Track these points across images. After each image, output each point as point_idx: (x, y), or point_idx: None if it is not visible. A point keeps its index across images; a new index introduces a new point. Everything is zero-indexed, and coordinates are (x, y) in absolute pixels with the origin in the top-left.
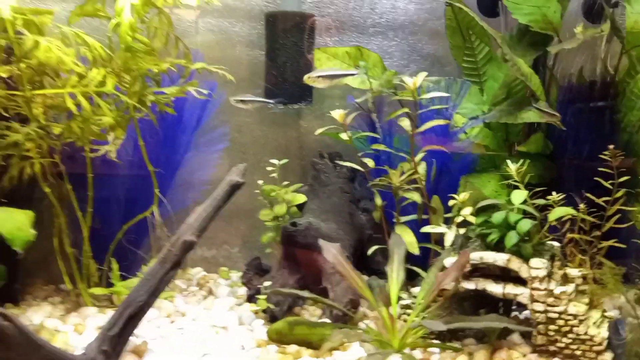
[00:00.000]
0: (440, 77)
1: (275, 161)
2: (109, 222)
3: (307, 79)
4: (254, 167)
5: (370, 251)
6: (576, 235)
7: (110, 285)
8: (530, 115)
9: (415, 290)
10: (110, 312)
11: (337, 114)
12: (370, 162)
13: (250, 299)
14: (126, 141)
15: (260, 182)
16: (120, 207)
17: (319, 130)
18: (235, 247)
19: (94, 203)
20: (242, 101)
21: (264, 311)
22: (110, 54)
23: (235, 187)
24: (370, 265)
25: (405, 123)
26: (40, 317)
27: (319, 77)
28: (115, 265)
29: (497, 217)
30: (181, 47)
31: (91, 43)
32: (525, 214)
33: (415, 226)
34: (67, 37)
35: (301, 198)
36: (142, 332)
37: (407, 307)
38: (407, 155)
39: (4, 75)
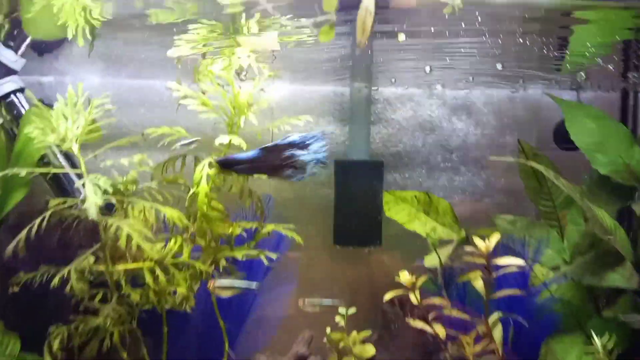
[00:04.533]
0: (515, 215)
1: (342, 310)
2: None
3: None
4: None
5: None
6: None
7: None
8: (616, 279)
9: None
10: None
11: (406, 277)
12: (441, 332)
13: None
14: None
15: (328, 329)
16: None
17: (388, 295)
18: None
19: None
20: None
21: None
22: (187, 222)
23: (301, 359)
24: None
25: (479, 285)
26: None
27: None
28: None
29: None
30: (254, 199)
31: (169, 215)
32: None
33: None
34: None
35: (370, 350)
36: None
37: None
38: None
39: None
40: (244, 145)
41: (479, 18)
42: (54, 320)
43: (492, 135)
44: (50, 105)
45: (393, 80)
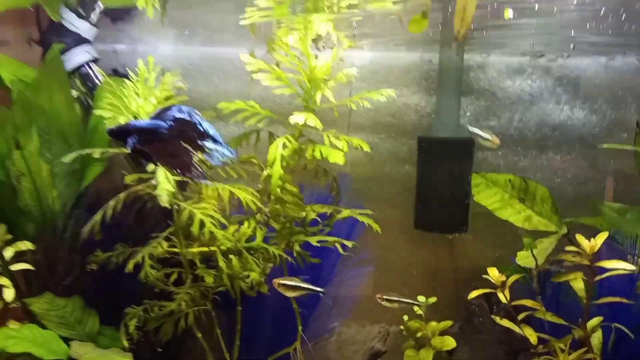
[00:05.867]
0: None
1: (422, 299)
2: (254, 356)
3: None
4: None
5: None
6: None
7: None
8: None
9: None
10: None
11: (495, 275)
12: (532, 336)
13: None
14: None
15: (405, 317)
16: (264, 339)
17: (473, 294)
18: None
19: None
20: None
21: None
22: (261, 205)
23: (376, 355)
24: None
25: (579, 287)
26: None
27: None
28: None
29: None
30: (330, 179)
31: (243, 197)
32: None
33: None
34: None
35: (451, 343)
36: None
37: None
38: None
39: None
40: (319, 126)
41: None
42: (129, 297)
43: (603, 110)
44: (124, 75)
45: (488, 46)
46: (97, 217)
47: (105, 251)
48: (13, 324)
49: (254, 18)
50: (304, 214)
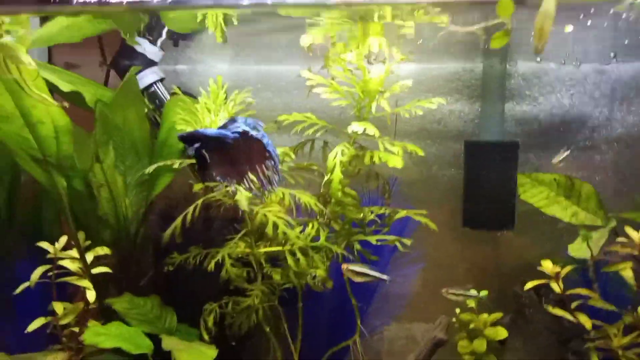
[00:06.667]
0: None
1: (473, 292)
2: (314, 349)
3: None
4: (449, 284)
5: None
6: None
7: None
8: None
9: None
10: None
11: (549, 266)
12: (587, 322)
13: None
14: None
15: (457, 310)
16: (323, 334)
17: (529, 285)
18: None
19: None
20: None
21: None
22: (322, 208)
23: (438, 344)
24: None
25: (629, 275)
26: None
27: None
28: None
29: None
30: (381, 182)
31: (305, 200)
32: None
33: None
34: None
35: (503, 333)
36: None
37: None
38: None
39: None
40: (377, 134)
41: None
42: (199, 295)
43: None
44: (187, 93)
45: (530, 54)
46: (178, 221)
47: (174, 253)
48: (92, 324)
49: (313, 38)
50: (361, 215)
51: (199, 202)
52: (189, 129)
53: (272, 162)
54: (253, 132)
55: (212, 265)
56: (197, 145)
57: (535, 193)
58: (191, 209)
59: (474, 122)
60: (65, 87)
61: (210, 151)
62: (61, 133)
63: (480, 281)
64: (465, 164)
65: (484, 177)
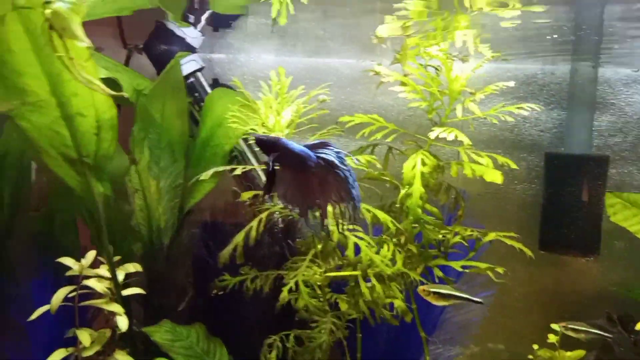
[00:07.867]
0: None
1: (555, 326)
2: None
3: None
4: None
5: None
6: None
7: None
8: None
9: None
10: None
11: None
12: None
13: None
14: None
15: (535, 346)
16: None
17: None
18: None
19: None
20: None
21: None
22: (399, 226)
23: None
24: None
25: None
26: None
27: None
28: None
29: None
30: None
31: (382, 218)
32: None
33: None
34: None
35: None
36: None
37: None
38: None
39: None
40: (466, 141)
41: None
42: (251, 324)
43: None
44: (225, 85)
45: (625, 60)
46: (239, 238)
47: (212, 274)
48: (120, 354)
49: (392, 28)
50: (440, 235)
51: (263, 215)
52: (248, 129)
53: (352, 203)
54: (341, 167)
55: (285, 294)
56: (274, 156)
57: (628, 216)
58: (254, 223)
59: (552, 132)
60: (100, 72)
61: (283, 167)
62: (104, 129)
63: (558, 311)
64: (545, 178)
65: (567, 194)
